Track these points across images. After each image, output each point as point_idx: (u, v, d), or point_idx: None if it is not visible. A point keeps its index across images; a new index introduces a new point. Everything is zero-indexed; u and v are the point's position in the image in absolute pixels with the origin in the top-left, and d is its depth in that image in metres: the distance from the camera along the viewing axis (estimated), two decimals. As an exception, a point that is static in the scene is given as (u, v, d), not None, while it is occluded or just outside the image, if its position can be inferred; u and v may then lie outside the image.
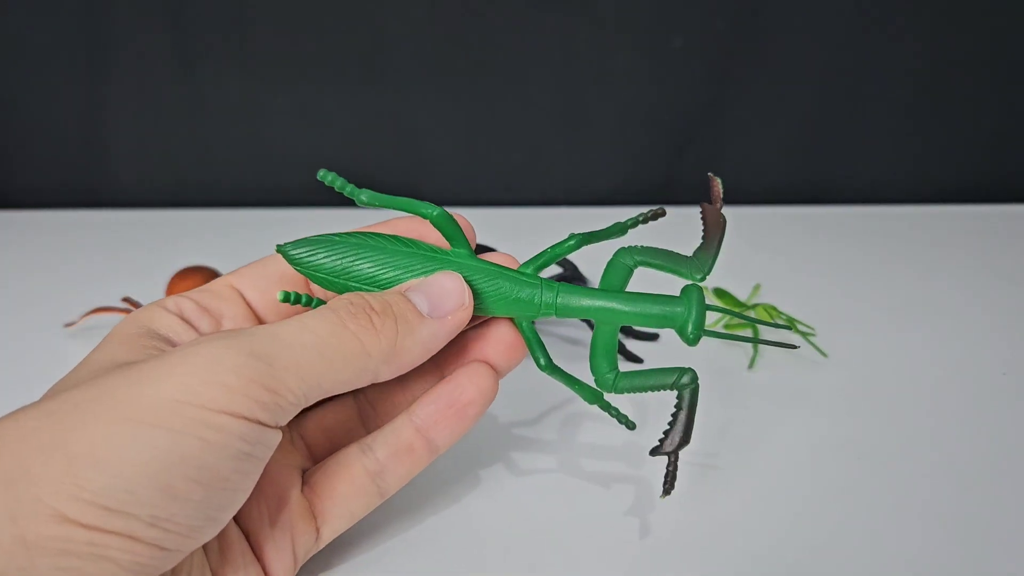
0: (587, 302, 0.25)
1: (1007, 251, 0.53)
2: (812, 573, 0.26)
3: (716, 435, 0.34)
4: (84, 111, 0.60)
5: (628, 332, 0.41)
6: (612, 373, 0.26)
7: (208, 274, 0.41)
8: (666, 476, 0.25)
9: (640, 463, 0.32)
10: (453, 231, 0.25)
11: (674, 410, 0.25)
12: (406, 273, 0.25)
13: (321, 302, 0.24)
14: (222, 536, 0.23)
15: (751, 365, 0.39)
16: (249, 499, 0.23)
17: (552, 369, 0.26)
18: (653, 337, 0.42)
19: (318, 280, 0.25)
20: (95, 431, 0.18)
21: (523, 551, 0.27)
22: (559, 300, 0.25)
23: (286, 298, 0.24)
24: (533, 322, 0.26)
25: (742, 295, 0.45)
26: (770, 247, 0.54)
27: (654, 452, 0.25)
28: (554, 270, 0.43)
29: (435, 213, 0.25)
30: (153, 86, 0.59)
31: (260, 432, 0.20)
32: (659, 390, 0.25)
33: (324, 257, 0.25)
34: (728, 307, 0.25)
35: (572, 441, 0.34)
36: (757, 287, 0.46)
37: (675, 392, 0.25)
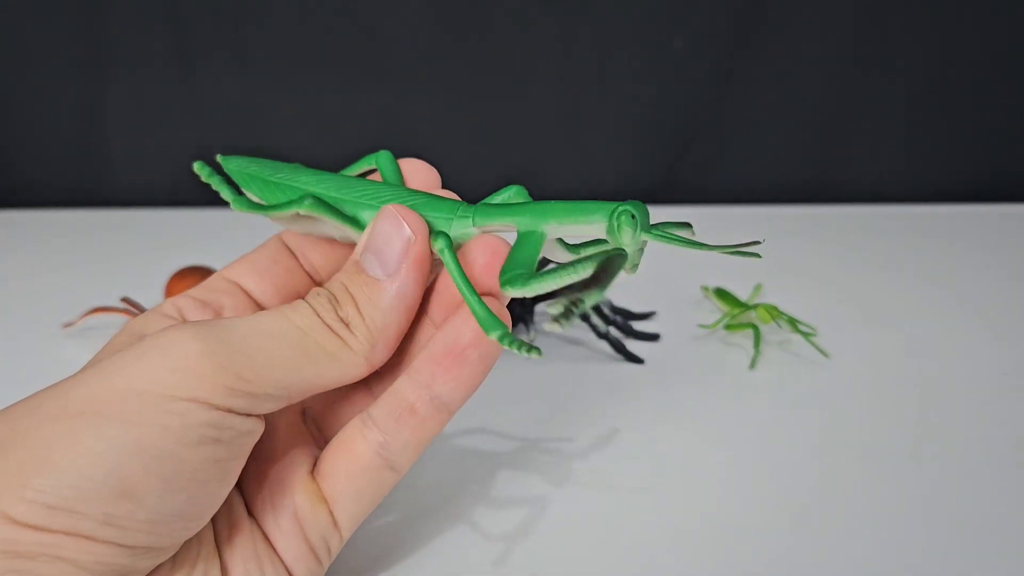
0: (507, 209, 0.22)
1: (1009, 250, 0.53)
2: (813, 573, 0.26)
3: (716, 435, 0.34)
4: (83, 111, 0.60)
5: (628, 332, 0.41)
6: (524, 270, 0.20)
7: (206, 274, 0.41)
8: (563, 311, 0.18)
9: (638, 463, 0.32)
10: (390, 171, 0.25)
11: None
12: (340, 190, 0.24)
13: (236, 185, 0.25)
14: (232, 525, 0.22)
15: (752, 365, 0.39)
16: (252, 486, 0.23)
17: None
18: (654, 337, 0.42)
19: (255, 184, 0.26)
20: (48, 427, 0.17)
21: (523, 551, 0.27)
22: (478, 209, 0.23)
23: (201, 169, 0.25)
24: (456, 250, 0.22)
25: (743, 295, 0.45)
26: (771, 247, 0.54)
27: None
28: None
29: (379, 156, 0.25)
30: (152, 86, 0.59)
31: (228, 419, 0.19)
32: (584, 275, 0.19)
33: (260, 167, 0.25)
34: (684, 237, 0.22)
35: (572, 441, 0.33)
36: (758, 287, 0.46)
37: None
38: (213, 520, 0.22)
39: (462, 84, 0.60)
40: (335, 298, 0.22)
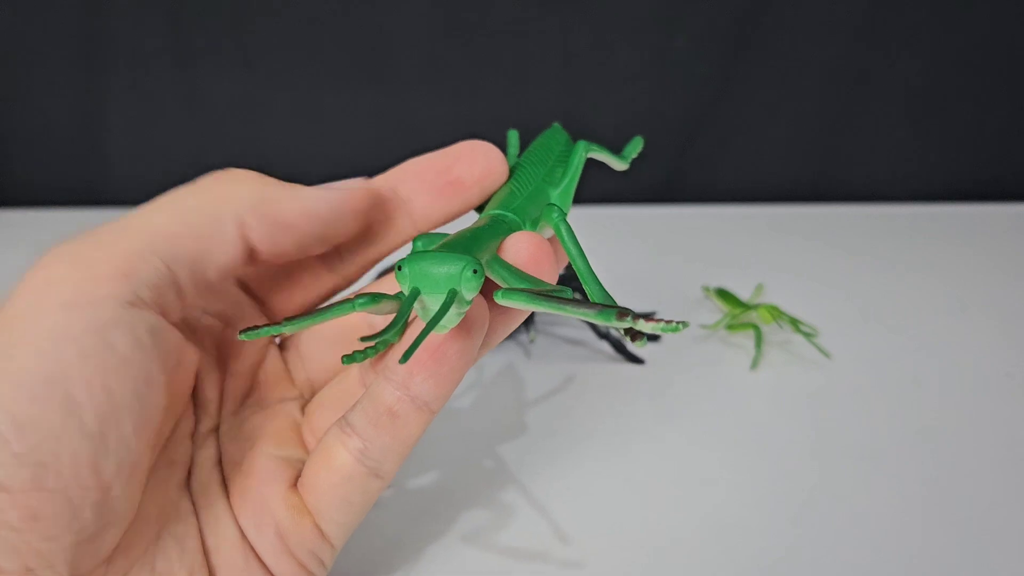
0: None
1: (1011, 250, 0.53)
2: (813, 573, 0.26)
3: (717, 435, 0.34)
4: (82, 109, 0.60)
5: (628, 333, 0.41)
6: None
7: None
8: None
9: (638, 463, 0.32)
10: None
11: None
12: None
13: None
14: (221, 543, 0.21)
15: (753, 365, 0.39)
16: (237, 503, 0.22)
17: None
18: (654, 338, 0.41)
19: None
20: None
21: (522, 552, 0.27)
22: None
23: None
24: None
25: (744, 295, 0.45)
26: (773, 247, 0.54)
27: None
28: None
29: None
30: (151, 84, 0.59)
31: (121, 313, 0.18)
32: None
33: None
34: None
35: (572, 441, 0.33)
36: (760, 287, 0.46)
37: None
38: (202, 538, 0.21)
39: (462, 84, 0.60)
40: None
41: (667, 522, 0.29)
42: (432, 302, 0.17)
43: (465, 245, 0.19)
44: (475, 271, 0.17)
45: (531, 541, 0.28)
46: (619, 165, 0.29)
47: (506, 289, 0.19)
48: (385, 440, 0.21)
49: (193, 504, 0.22)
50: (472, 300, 0.18)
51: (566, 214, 0.22)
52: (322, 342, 0.25)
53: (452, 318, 0.18)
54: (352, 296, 0.20)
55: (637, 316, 0.17)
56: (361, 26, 0.58)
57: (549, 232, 0.23)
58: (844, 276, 0.49)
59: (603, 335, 0.39)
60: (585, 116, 0.61)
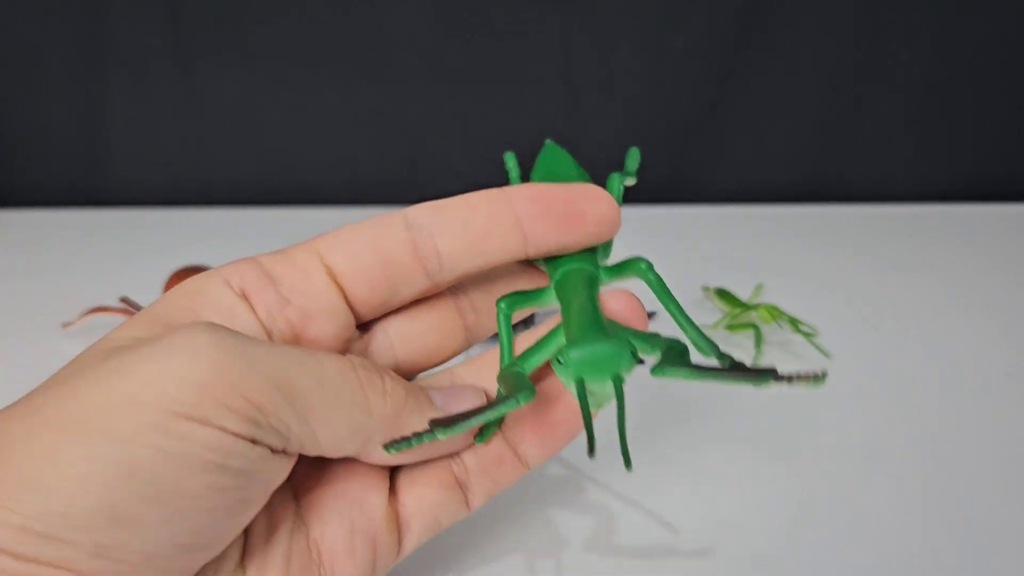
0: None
1: (1012, 250, 0.53)
2: (813, 573, 0.26)
3: (716, 435, 0.34)
4: (82, 109, 0.60)
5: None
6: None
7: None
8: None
9: (637, 464, 0.32)
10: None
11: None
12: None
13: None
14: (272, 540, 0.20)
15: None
16: (325, 504, 0.21)
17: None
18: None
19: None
20: (38, 440, 0.16)
21: (523, 552, 0.27)
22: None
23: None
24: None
25: (744, 295, 0.45)
26: (773, 247, 0.54)
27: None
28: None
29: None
30: (152, 84, 0.59)
31: (237, 445, 0.17)
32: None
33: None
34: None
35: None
36: (759, 287, 0.46)
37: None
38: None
39: (463, 84, 0.60)
40: (385, 371, 0.20)
41: (666, 522, 0.29)
42: (597, 388, 0.20)
43: (603, 322, 0.21)
44: (634, 355, 0.19)
45: (531, 541, 0.28)
46: (628, 181, 0.29)
47: (664, 367, 0.20)
48: (488, 484, 0.23)
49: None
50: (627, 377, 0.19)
51: (652, 265, 0.23)
52: (414, 327, 0.23)
53: (608, 397, 0.20)
54: (514, 395, 0.19)
55: (781, 377, 0.18)
56: (361, 26, 0.58)
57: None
58: (844, 276, 0.49)
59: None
60: (585, 116, 0.61)
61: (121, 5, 0.56)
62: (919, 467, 0.32)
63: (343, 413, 0.19)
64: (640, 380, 0.39)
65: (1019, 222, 0.58)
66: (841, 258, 0.52)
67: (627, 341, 0.19)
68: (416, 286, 0.22)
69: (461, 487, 0.23)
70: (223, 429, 0.16)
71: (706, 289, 0.46)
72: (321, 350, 0.19)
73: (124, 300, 0.41)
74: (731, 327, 0.41)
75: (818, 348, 0.40)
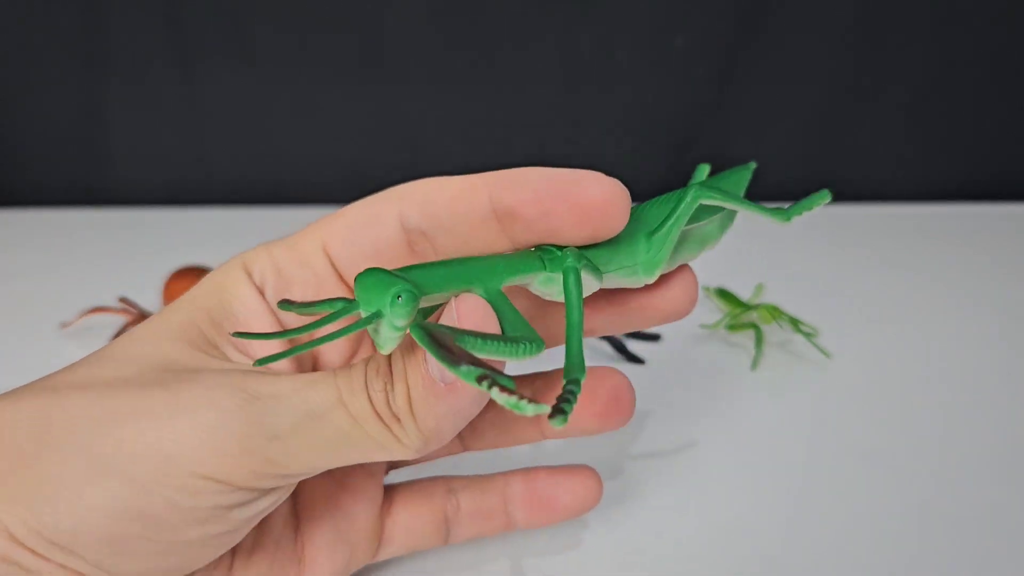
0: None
1: (1012, 250, 0.53)
2: (813, 573, 0.26)
3: (718, 436, 0.34)
4: (82, 109, 0.60)
5: (629, 333, 0.41)
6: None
7: (204, 275, 0.41)
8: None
9: (638, 464, 0.32)
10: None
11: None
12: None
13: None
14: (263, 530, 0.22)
15: (754, 366, 0.39)
16: (319, 506, 0.23)
17: None
18: (655, 338, 0.41)
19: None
20: (66, 461, 0.17)
21: (523, 553, 0.27)
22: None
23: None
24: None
25: (744, 295, 0.45)
26: (773, 247, 0.54)
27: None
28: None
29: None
30: (152, 83, 0.59)
31: (245, 497, 0.18)
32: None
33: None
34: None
35: (571, 441, 0.33)
36: (760, 287, 0.46)
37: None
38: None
39: (463, 84, 0.60)
40: (391, 383, 0.18)
41: (666, 521, 0.29)
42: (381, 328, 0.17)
43: (427, 270, 0.18)
44: (400, 297, 0.16)
45: (531, 542, 0.28)
46: (775, 220, 0.25)
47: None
48: (474, 530, 0.25)
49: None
50: (403, 327, 0.17)
51: (581, 268, 0.19)
52: None
53: (387, 339, 0.17)
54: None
55: (494, 384, 0.15)
56: (361, 26, 0.58)
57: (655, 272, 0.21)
58: (844, 276, 0.49)
59: (603, 335, 0.39)
60: (585, 116, 0.61)
61: (121, 5, 0.56)
62: (919, 467, 0.32)
63: (356, 450, 0.19)
64: (639, 379, 0.38)
65: (1019, 222, 0.58)
66: (841, 258, 0.52)
67: (403, 286, 0.16)
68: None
69: (447, 524, 0.24)
70: (237, 488, 0.18)
71: (706, 289, 0.46)
72: (342, 378, 0.19)
73: (123, 300, 0.41)
74: (731, 327, 0.41)
75: (818, 348, 0.40)
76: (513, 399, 0.15)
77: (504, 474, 0.25)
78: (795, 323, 0.40)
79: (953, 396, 0.36)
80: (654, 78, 0.60)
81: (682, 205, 0.21)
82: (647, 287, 0.22)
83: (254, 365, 0.18)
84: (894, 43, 0.59)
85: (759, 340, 0.39)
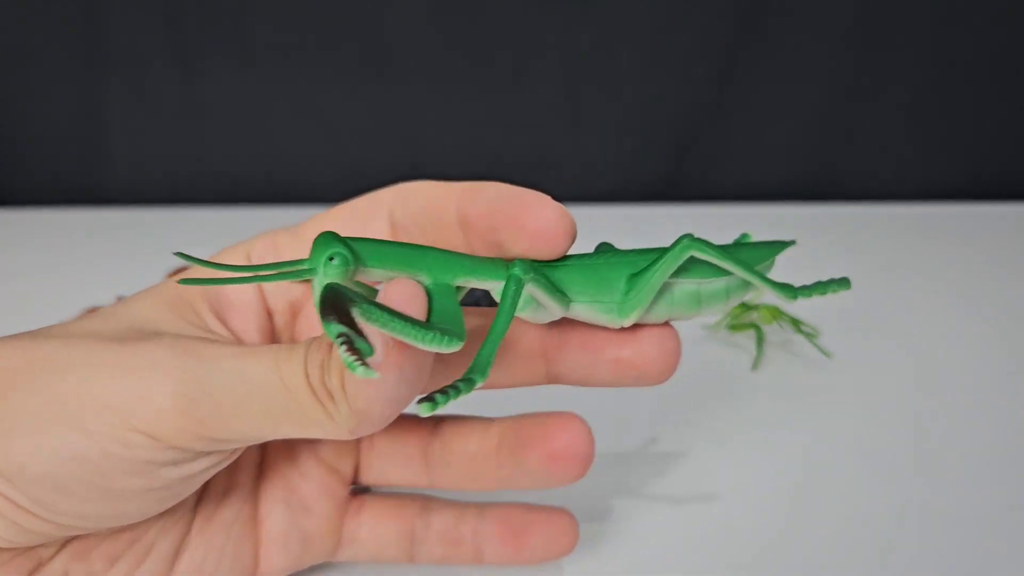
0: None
1: (1012, 250, 0.53)
2: (813, 573, 0.26)
3: (719, 436, 0.34)
4: (82, 109, 0.60)
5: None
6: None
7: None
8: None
9: (638, 464, 0.32)
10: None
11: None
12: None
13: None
14: (222, 501, 0.23)
15: (755, 366, 0.39)
16: (278, 491, 0.24)
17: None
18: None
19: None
20: (26, 401, 0.18)
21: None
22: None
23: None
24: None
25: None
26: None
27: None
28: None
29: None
30: (152, 83, 0.59)
31: (178, 456, 0.19)
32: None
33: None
34: None
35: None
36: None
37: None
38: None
39: (463, 84, 0.60)
40: (328, 360, 0.18)
41: (666, 521, 0.29)
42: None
43: (380, 246, 0.18)
44: (332, 259, 0.17)
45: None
46: (780, 295, 0.23)
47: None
48: (438, 552, 0.25)
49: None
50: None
51: (526, 281, 0.19)
52: None
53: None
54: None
55: (347, 343, 0.15)
56: (361, 26, 0.58)
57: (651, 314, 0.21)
58: (845, 276, 0.49)
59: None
60: (585, 116, 0.61)
61: (121, 5, 0.56)
62: (919, 466, 0.32)
63: (291, 424, 0.19)
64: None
65: (1019, 222, 0.58)
66: (841, 258, 0.52)
67: (337, 248, 0.17)
68: None
69: (414, 541, 0.24)
70: (166, 444, 0.18)
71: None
72: (284, 351, 0.19)
73: (122, 300, 0.41)
74: (732, 327, 0.41)
75: (819, 348, 0.40)
76: (350, 358, 0.15)
77: (482, 504, 0.25)
78: (796, 323, 0.40)
79: (953, 396, 0.36)
80: (654, 78, 0.60)
81: (669, 253, 0.20)
82: (625, 337, 0.21)
83: (178, 283, 0.18)
84: (894, 43, 0.59)
85: (760, 340, 0.39)
